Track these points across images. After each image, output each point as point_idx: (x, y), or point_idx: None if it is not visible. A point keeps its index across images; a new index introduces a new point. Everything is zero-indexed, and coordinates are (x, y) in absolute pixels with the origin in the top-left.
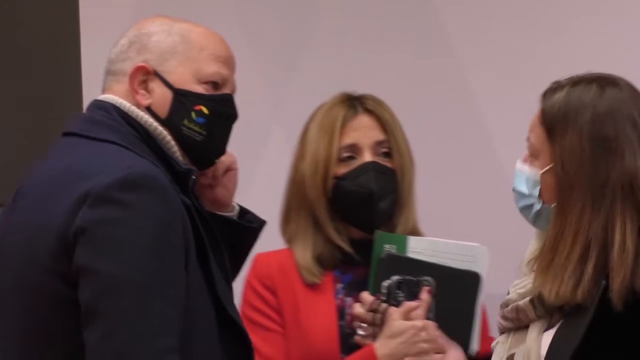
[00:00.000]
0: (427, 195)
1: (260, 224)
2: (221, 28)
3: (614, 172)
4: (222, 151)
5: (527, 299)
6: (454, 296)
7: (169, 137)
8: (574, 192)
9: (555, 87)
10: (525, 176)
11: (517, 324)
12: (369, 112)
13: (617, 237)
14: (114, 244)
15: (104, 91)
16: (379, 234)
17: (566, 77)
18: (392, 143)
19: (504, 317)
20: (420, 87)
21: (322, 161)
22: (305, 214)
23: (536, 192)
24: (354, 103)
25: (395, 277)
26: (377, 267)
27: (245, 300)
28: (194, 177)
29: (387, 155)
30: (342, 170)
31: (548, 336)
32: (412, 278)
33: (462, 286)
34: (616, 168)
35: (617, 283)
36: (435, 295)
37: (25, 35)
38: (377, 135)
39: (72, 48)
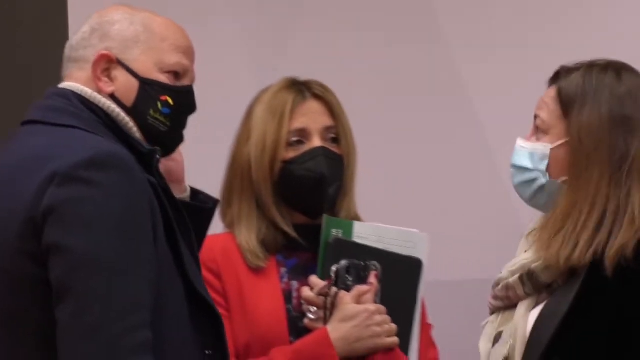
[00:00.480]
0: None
1: (214, 203)
2: (212, 18)
3: (633, 148)
4: (181, 140)
5: (517, 275)
6: (397, 281)
7: (131, 124)
8: (592, 165)
9: (568, 69)
10: (529, 151)
11: (507, 302)
12: (318, 97)
13: (633, 208)
14: (83, 222)
15: (64, 78)
16: (327, 218)
17: (575, 62)
18: (339, 129)
19: (495, 297)
20: (409, 73)
21: (271, 144)
22: (248, 198)
23: (543, 166)
24: (301, 88)
25: (344, 262)
26: (325, 251)
27: None
28: (158, 156)
29: (335, 141)
30: (291, 154)
31: (535, 314)
32: (360, 262)
33: (405, 272)
34: (635, 145)
35: (615, 248)
36: (381, 280)
37: (16, 34)
38: (326, 120)
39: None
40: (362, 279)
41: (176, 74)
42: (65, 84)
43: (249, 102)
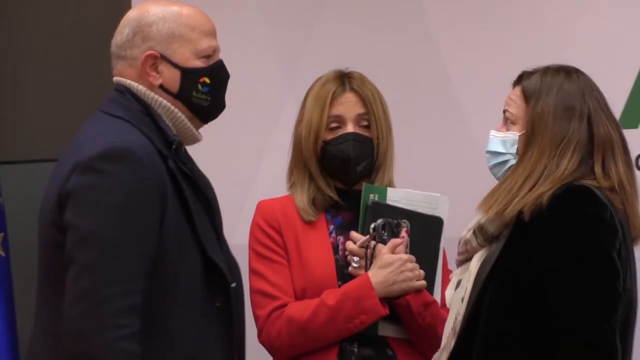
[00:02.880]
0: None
1: None
2: (239, 8)
3: (572, 130)
4: (223, 106)
5: (472, 231)
6: (423, 235)
7: (172, 107)
8: (537, 143)
9: (529, 72)
10: (501, 139)
11: (466, 255)
12: (354, 90)
13: (558, 171)
14: (90, 205)
15: (115, 72)
16: (365, 185)
17: (533, 68)
18: (370, 116)
19: (458, 253)
20: (402, 61)
21: (315, 127)
22: (302, 167)
23: (513, 150)
24: (343, 80)
25: (380, 220)
26: (365, 211)
27: (255, 239)
28: (174, 146)
29: (367, 127)
30: (329, 136)
31: None
32: (393, 221)
33: (429, 228)
34: (575, 128)
35: (532, 198)
36: (410, 234)
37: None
38: (359, 109)
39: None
40: (395, 234)
41: (208, 55)
42: (120, 79)
43: (265, 80)
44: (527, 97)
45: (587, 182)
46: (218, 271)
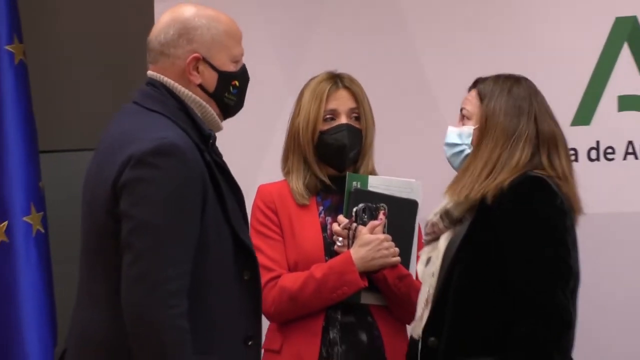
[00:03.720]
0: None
1: None
2: (238, 8)
3: (521, 126)
4: (242, 106)
5: (438, 215)
6: (399, 216)
7: (204, 103)
8: (490, 135)
9: (483, 78)
10: (457, 132)
11: (433, 236)
12: (347, 87)
13: (513, 162)
14: (143, 196)
15: (153, 66)
16: (349, 174)
17: (488, 75)
18: (360, 110)
19: (426, 233)
20: (383, 62)
21: (312, 119)
22: (298, 155)
23: (468, 140)
24: (336, 80)
25: (361, 204)
26: (348, 197)
27: (255, 218)
28: (211, 141)
29: (357, 119)
30: (325, 127)
31: None
32: (372, 205)
33: (405, 210)
34: (523, 124)
35: (494, 184)
36: (387, 216)
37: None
38: (351, 104)
39: None
40: (374, 217)
41: (237, 60)
42: (155, 75)
43: (267, 80)
44: (481, 97)
45: (539, 173)
46: (247, 250)
